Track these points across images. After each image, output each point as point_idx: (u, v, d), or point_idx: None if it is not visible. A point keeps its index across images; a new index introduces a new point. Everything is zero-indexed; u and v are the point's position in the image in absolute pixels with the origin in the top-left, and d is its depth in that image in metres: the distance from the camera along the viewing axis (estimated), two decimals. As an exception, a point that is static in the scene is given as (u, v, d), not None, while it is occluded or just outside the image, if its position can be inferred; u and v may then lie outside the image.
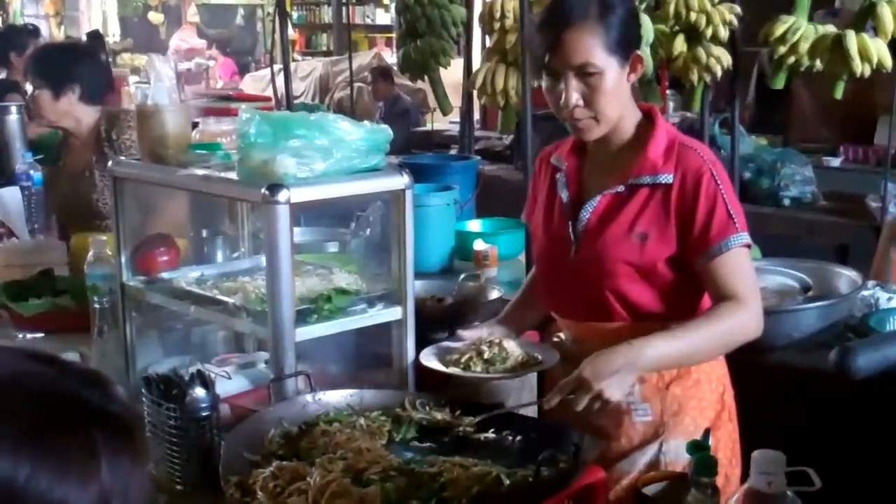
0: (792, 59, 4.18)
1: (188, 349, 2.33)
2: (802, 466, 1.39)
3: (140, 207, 2.34)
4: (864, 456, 2.56)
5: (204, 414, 1.78)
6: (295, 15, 14.75)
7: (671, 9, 4.15)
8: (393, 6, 11.17)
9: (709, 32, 4.17)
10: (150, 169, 2.17)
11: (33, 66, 3.47)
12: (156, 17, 15.84)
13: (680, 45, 4.25)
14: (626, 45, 1.93)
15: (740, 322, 1.92)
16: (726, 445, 2.08)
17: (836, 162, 5.88)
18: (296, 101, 6.28)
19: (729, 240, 1.92)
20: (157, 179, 2.20)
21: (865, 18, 4.13)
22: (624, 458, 2.04)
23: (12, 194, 3.62)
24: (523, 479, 1.62)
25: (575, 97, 1.93)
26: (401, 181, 2.01)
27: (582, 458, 1.67)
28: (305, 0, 15.68)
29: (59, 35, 13.31)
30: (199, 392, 1.78)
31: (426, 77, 5.11)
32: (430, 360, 2.05)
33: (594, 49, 1.90)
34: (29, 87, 3.50)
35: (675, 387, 2.04)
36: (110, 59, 10.18)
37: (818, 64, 4.20)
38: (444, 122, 7.75)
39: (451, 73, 5.55)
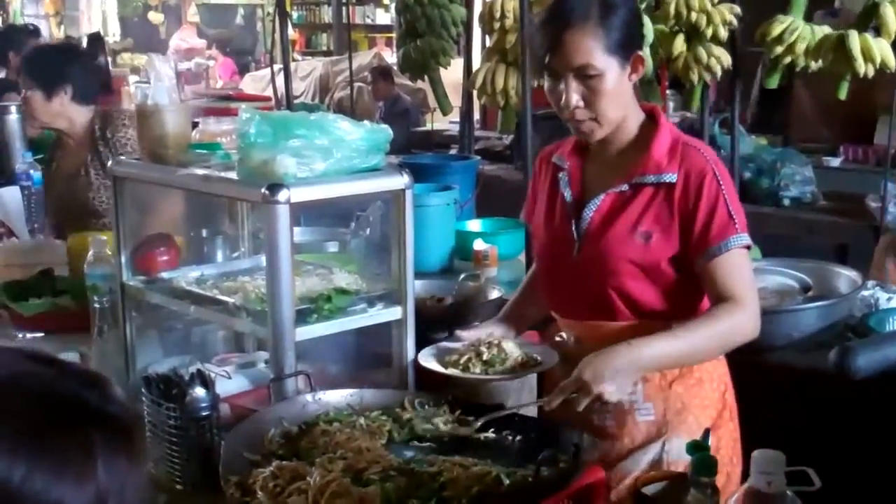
0: (788, 60, 4.19)
1: (188, 349, 2.33)
2: (802, 466, 1.39)
3: (140, 207, 2.34)
4: (864, 456, 2.56)
5: (204, 414, 1.78)
6: (295, 15, 14.75)
7: (671, 8, 4.15)
8: (393, 6, 11.17)
9: (709, 32, 4.17)
10: (150, 169, 2.17)
11: (25, 68, 3.47)
12: (156, 17, 15.84)
13: (680, 45, 4.25)
14: (627, 47, 1.93)
15: (739, 323, 1.93)
16: (728, 444, 2.08)
17: (835, 162, 5.88)
18: (296, 101, 6.27)
19: (729, 240, 1.92)
20: (157, 179, 2.20)
21: (869, 18, 4.12)
22: (627, 458, 2.04)
23: (12, 194, 3.63)
24: (523, 479, 1.62)
25: (575, 98, 1.93)
26: (401, 181, 2.01)
27: (582, 458, 1.67)
28: (305, 0, 15.68)
29: (59, 35, 13.31)
30: (199, 392, 1.78)
31: (426, 77, 5.10)
32: (428, 360, 2.05)
33: (594, 51, 1.90)
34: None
35: (678, 386, 2.04)
36: (110, 59, 10.19)
37: (814, 64, 4.20)
38: (444, 122, 7.75)
39: (451, 73, 5.55)
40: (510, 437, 1.84)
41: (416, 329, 2.08)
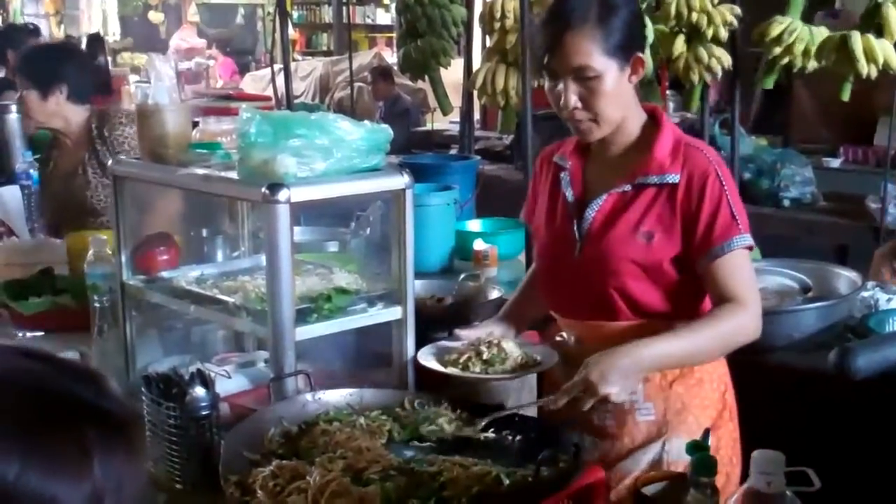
0: (786, 60, 4.19)
1: (188, 348, 2.33)
2: (802, 466, 1.39)
3: (140, 207, 2.34)
4: (864, 456, 2.56)
5: (204, 413, 1.78)
6: (295, 14, 14.75)
7: (672, 9, 4.16)
8: (393, 6, 11.18)
9: (709, 33, 4.17)
10: (150, 168, 2.17)
11: (20, 68, 3.47)
12: (156, 17, 15.85)
13: (680, 45, 4.25)
14: (627, 48, 1.93)
15: (741, 324, 1.93)
16: (727, 444, 2.08)
17: (835, 163, 5.88)
18: (296, 101, 6.27)
19: (732, 241, 1.92)
20: (157, 179, 2.20)
21: (871, 19, 4.12)
22: (627, 458, 2.04)
23: (12, 193, 3.63)
24: (523, 479, 1.62)
25: (573, 99, 1.93)
26: (401, 181, 2.01)
27: (582, 458, 1.67)
28: (306, 0, 15.68)
29: (59, 34, 13.31)
30: (199, 391, 1.78)
31: (426, 77, 5.10)
32: (428, 359, 2.04)
33: (592, 52, 1.90)
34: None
35: (678, 385, 2.05)
36: (110, 59, 10.19)
37: (810, 64, 4.20)
38: (444, 122, 7.75)
39: (452, 73, 5.55)
40: (510, 437, 1.84)
41: (416, 329, 2.08)
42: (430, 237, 3.26)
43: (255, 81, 10.98)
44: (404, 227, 2.02)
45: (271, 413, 1.86)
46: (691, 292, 2.02)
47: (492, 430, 1.85)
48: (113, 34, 14.46)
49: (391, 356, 2.09)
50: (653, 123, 2.03)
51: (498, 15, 4.43)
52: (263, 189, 1.81)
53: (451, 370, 2.00)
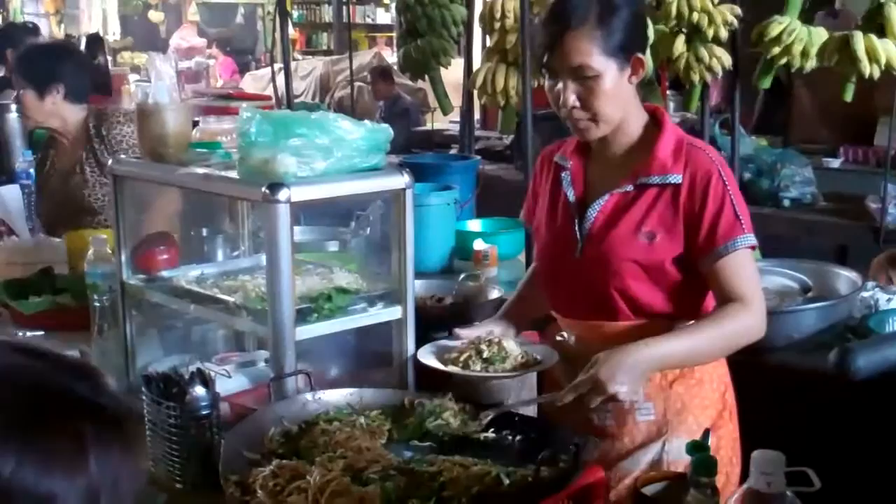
0: (784, 60, 4.19)
1: (188, 348, 2.32)
2: (802, 467, 1.39)
3: (140, 206, 2.34)
4: (864, 456, 2.56)
5: (204, 412, 1.78)
6: (295, 14, 14.75)
7: (672, 9, 4.15)
8: (393, 6, 11.15)
9: (710, 33, 4.17)
10: (150, 167, 2.17)
11: (17, 67, 3.47)
12: (156, 16, 15.85)
13: (681, 45, 4.25)
14: (627, 49, 1.93)
15: (746, 324, 1.93)
16: (727, 444, 2.08)
17: (835, 163, 5.87)
18: (296, 101, 6.28)
19: (735, 241, 1.93)
20: (157, 178, 2.20)
21: (873, 19, 4.12)
22: (627, 458, 2.04)
23: (12, 192, 3.63)
24: (523, 479, 1.62)
25: (572, 98, 1.93)
26: (401, 181, 2.01)
27: (582, 458, 1.67)
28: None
29: (58, 33, 13.30)
30: (199, 391, 1.78)
31: (426, 77, 5.10)
32: (428, 358, 2.04)
33: (591, 52, 1.90)
34: None
35: (678, 385, 2.05)
36: (110, 58, 10.19)
37: (808, 65, 4.20)
38: (444, 122, 7.75)
39: (452, 73, 5.55)
40: (510, 437, 1.84)
41: (417, 329, 2.08)
42: (430, 237, 3.26)
43: (255, 81, 10.99)
44: (404, 226, 2.02)
45: (271, 413, 1.86)
46: (692, 293, 2.02)
47: (492, 429, 1.85)
48: (113, 33, 14.47)
49: (391, 356, 2.09)
50: (655, 124, 2.04)
51: (498, 15, 4.43)
52: (263, 188, 1.81)
53: (451, 368, 2.00)
